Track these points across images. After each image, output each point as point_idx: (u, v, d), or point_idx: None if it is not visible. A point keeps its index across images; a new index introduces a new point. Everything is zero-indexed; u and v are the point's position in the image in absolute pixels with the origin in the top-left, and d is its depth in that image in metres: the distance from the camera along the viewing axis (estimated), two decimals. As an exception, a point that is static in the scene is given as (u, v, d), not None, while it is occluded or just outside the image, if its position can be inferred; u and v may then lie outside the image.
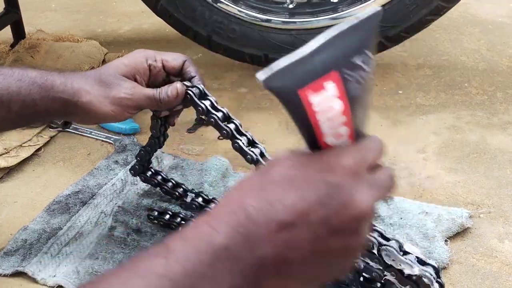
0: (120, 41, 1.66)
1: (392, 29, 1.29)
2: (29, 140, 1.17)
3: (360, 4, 1.30)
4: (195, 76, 0.82)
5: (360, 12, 0.42)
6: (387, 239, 0.69)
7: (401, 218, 0.92)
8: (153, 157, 1.06)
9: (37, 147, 1.16)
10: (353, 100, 0.42)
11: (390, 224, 0.91)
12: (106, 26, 1.77)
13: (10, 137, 1.16)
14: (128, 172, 1.06)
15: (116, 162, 1.10)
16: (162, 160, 1.09)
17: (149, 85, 0.81)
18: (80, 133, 1.21)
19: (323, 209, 0.42)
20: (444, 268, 0.84)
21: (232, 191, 0.45)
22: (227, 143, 0.82)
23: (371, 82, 0.44)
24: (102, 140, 1.19)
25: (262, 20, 1.35)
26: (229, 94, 1.36)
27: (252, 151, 0.78)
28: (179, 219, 0.91)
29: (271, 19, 1.35)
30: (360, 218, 0.43)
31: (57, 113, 0.79)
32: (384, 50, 1.35)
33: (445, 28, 1.63)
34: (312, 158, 0.44)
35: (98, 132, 1.21)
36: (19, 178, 1.09)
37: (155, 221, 0.93)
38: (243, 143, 0.79)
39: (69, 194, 1.01)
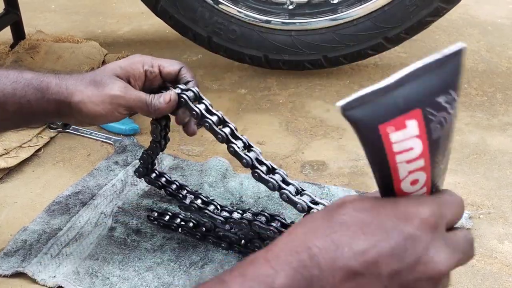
0: (120, 42, 1.66)
1: (392, 30, 1.29)
2: (29, 141, 1.17)
3: (360, 5, 1.30)
4: (191, 81, 0.82)
5: (445, 49, 0.38)
6: None
7: (401, 219, 0.92)
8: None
9: (37, 147, 1.16)
10: (434, 144, 0.39)
11: (390, 225, 0.91)
12: (105, 27, 1.77)
13: (9, 138, 1.16)
14: (128, 173, 1.06)
15: (116, 163, 1.10)
16: (162, 161, 1.09)
17: (144, 90, 0.81)
18: (80, 134, 1.21)
19: (395, 261, 0.38)
20: (444, 269, 0.84)
21: (296, 228, 0.42)
22: (227, 143, 0.82)
23: (454, 127, 0.40)
24: (102, 141, 1.19)
25: (262, 21, 1.35)
26: (229, 95, 1.36)
27: (247, 155, 0.78)
28: (178, 220, 0.91)
29: (271, 20, 1.35)
30: (436, 279, 0.39)
31: (53, 115, 0.79)
32: (384, 51, 1.36)
33: (445, 29, 1.63)
34: (386, 203, 0.40)
35: (98, 133, 1.21)
36: (19, 179, 1.09)
37: (155, 222, 0.93)
38: (238, 147, 0.79)
39: (69, 195, 1.01)
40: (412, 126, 0.37)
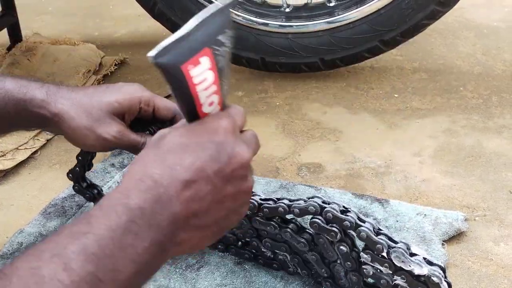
0: (117, 45, 1.67)
1: (388, 33, 1.30)
2: (26, 143, 1.17)
3: (356, 8, 1.30)
4: None
5: (216, 2, 0.52)
6: (395, 242, 0.70)
7: (397, 221, 0.92)
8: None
9: (34, 150, 1.16)
10: (220, 72, 0.51)
11: (386, 227, 0.91)
12: (102, 29, 1.78)
13: (6, 140, 1.16)
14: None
15: (113, 165, 1.10)
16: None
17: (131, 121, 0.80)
18: (76, 136, 1.21)
19: (215, 163, 0.50)
20: (440, 271, 0.85)
21: (133, 166, 0.51)
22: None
23: (230, 55, 0.53)
24: (99, 143, 1.19)
25: (259, 24, 1.36)
26: (225, 98, 1.36)
27: None
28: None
29: (268, 23, 1.36)
30: (245, 165, 0.53)
31: (33, 126, 0.80)
32: (380, 54, 1.36)
33: (441, 32, 1.64)
34: (196, 126, 0.53)
35: (95, 135, 1.20)
36: (15, 181, 1.09)
37: (152, 224, 0.93)
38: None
39: (65, 197, 1.01)
40: (205, 61, 0.49)
